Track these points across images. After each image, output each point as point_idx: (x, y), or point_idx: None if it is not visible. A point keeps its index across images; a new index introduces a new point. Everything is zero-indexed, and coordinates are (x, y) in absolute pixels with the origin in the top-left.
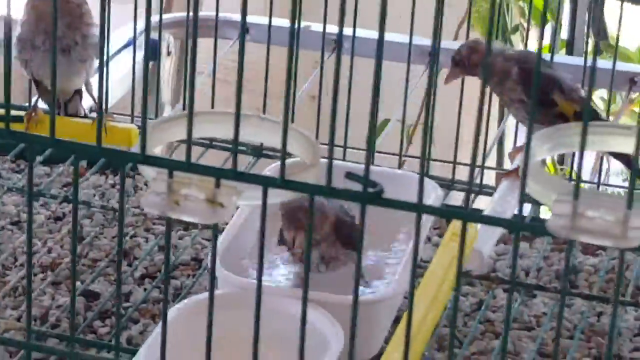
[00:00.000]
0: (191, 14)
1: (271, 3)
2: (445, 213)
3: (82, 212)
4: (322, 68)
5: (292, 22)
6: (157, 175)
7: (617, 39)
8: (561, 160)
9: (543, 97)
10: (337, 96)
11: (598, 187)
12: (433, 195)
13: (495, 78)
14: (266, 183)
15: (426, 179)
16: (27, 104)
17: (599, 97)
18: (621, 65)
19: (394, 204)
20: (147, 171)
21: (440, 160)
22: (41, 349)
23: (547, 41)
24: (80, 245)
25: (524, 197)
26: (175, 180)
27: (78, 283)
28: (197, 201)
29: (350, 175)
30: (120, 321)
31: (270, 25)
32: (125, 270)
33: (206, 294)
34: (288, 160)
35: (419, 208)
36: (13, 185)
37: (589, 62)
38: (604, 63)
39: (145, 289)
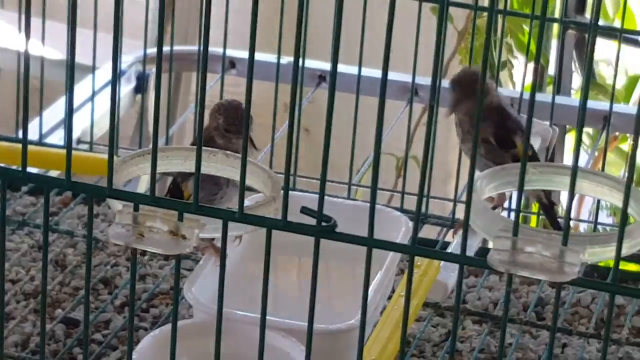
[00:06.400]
0: (179, 47)
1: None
2: (395, 247)
3: (65, 240)
4: (300, 103)
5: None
6: (123, 207)
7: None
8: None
9: (506, 138)
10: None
11: (595, 226)
12: (403, 229)
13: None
14: (226, 217)
15: (397, 213)
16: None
17: (585, 132)
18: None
19: (346, 238)
20: (114, 204)
21: (410, 193)
22: None
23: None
24: (62, 274)
25: (467, 230)
26: (140, 213)
27: (59, 310)
28: (160, 233)
29: (304, 210)
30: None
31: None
32: (106, 299)
33: (182, 322)
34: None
35: (369, 242)
36: None
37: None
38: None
39: (124, 317)
